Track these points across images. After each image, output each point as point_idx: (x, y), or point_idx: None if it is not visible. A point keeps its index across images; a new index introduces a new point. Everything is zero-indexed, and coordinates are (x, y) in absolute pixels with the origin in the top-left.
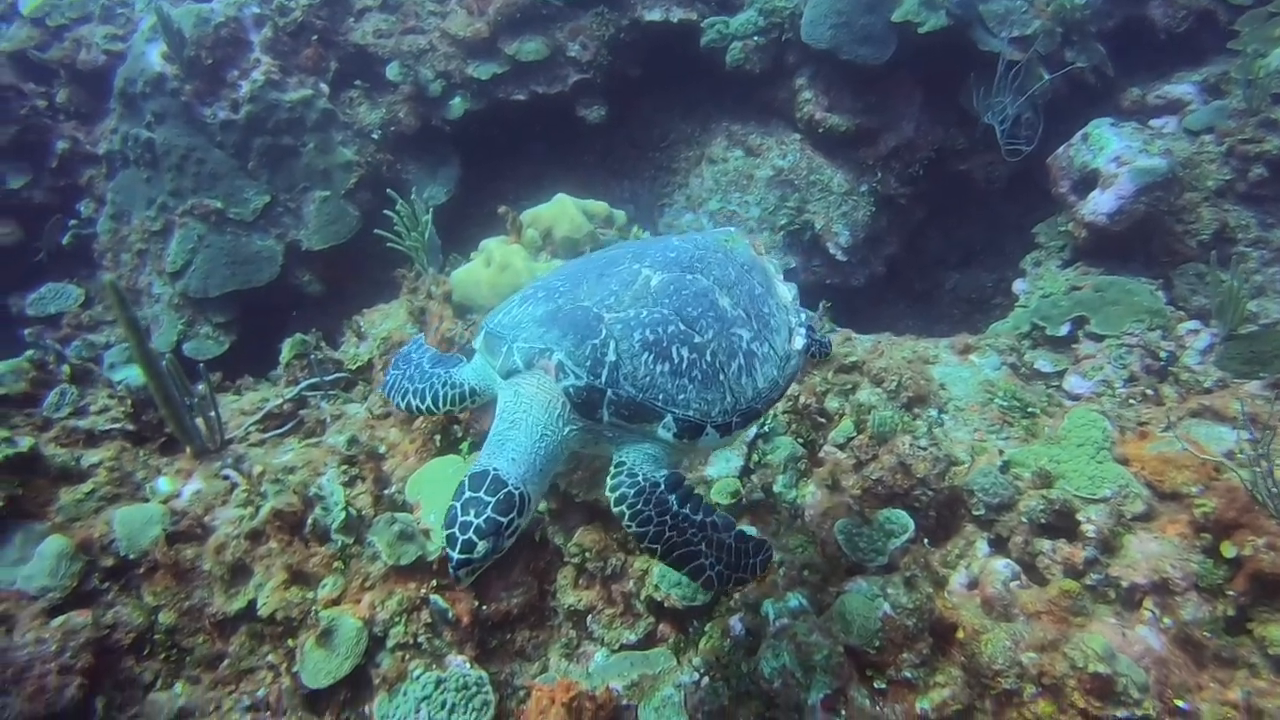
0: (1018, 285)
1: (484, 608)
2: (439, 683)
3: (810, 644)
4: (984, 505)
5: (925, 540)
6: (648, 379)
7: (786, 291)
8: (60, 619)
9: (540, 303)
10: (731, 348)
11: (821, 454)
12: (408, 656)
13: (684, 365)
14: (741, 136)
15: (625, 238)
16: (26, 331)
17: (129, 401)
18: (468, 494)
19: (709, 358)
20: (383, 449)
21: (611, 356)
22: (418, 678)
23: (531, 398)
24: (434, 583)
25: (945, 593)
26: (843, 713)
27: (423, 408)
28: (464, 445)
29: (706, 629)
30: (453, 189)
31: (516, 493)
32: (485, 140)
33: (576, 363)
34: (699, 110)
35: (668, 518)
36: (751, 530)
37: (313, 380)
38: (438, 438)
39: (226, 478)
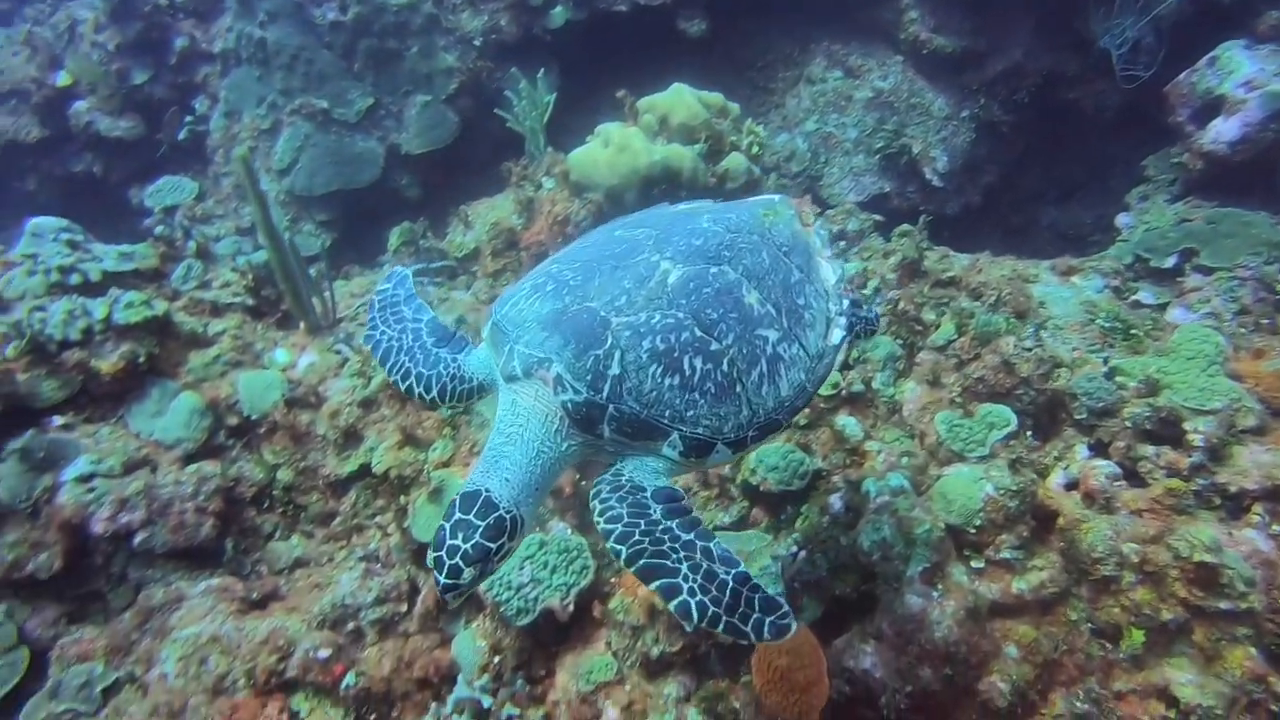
0: (1121, 219)
1: (583, 482)
2: (542, 544)
3: (911, 518)
4: (1086, 409)
5: (1029, 433)
6: (654, 394)
7: (831, 272)
8: (194, 466)
9: (548, 298)
10: (754, 353)
11: (919, 358)
12: None
13: (696, 377)
14: (842, 57)
15: (739, 130)
16: (155, 212)
17: (250, 276)
18: (458, 515)
19: (726, 367)
20: None
21: (615, 369)
22: None
23: (529, 410)
24: None
25: (1045, 485)
26: (940, 586)
27: (427, 398)
28: None
29: (803, 510)
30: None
31: (508, 516)
32: (584, 52)
33: (576, 376)
34: (798, 29)
35: (642, 521)
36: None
37: (420, 265)
38: None
39: (339, 352)
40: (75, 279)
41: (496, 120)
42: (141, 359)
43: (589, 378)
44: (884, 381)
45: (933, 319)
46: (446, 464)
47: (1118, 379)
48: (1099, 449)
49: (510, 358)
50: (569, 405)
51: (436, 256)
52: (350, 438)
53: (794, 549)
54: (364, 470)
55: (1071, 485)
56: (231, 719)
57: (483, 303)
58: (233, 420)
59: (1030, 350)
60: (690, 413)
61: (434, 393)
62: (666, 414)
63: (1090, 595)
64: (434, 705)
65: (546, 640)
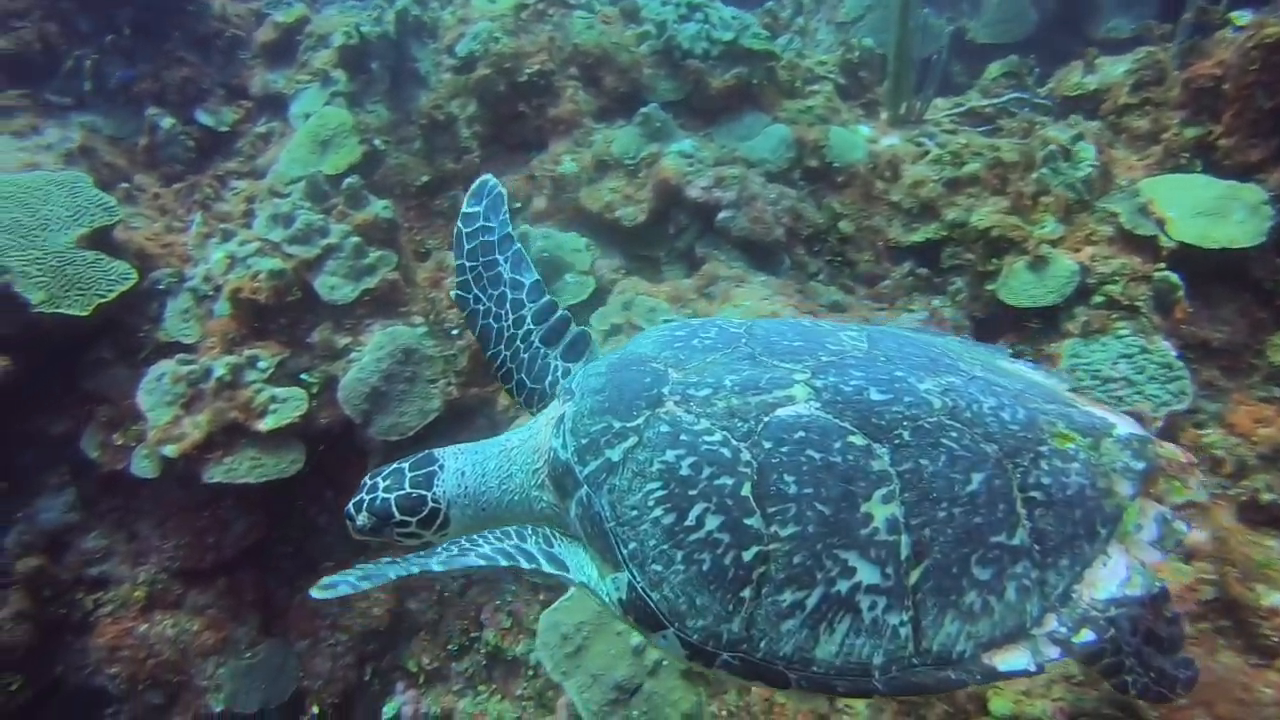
0: None
1: (1183, 327)
2: (1143, 350)
3: None
4: None
5: None
6: (634, 514)
7: (1116, 581)
8: (773, 184)
9: (664, 340)
10: (808, 573)
11: None
12: (1115, 315)
13: (693, 537)
14: None
15: None
16: None
17: (856, 54)
18: (405, 465)
19: (748, 556)
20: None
21: (615, 455)
22: (1122, 336)
23: (536, 431)
24: (1163, 266)
25: None
26: None
27: (521, 403)
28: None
29: None
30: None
31: (431, 505)
32: None
33: (575, 431)
34: None
35: (510, 539)
36: None
37: (1018, 95)
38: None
39: (921, 144)
40: (699, 16)
41: (1066, 34)
42: (755, 81)
43: (585, 442)
44: None
45: None
46: (1053, 244)
47: None
48: None
49: (575, 371)
50: (550, 455)
51: (1034, 95)
52: (925, 211)
53: None
54: (927, 244)
55: None
56: None
57: (1093, 134)
58: (813, 163)
59: None
60: (655, 566)
61: (528, 403)
62: (630, 546)
63: None
64: None
65: None
